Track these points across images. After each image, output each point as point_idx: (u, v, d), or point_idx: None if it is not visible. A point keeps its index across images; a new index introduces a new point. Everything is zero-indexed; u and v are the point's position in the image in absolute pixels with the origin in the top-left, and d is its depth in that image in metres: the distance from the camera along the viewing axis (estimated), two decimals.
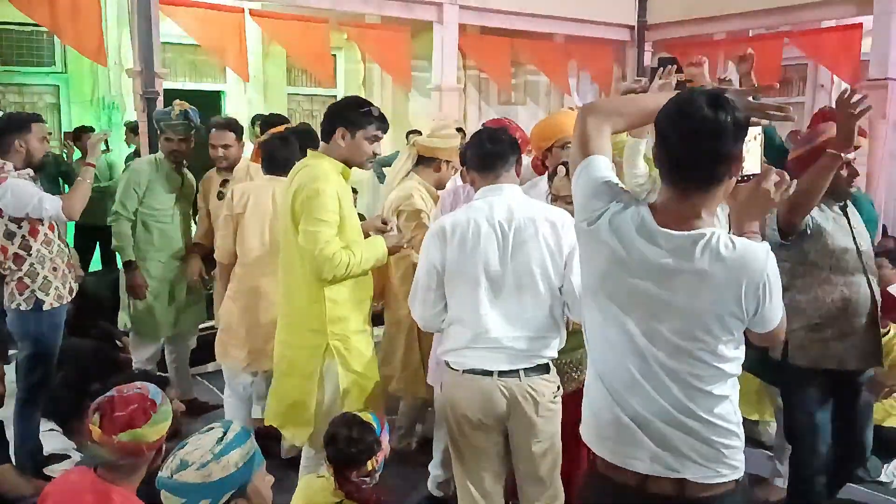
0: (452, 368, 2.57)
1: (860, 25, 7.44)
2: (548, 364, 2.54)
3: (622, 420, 1.68)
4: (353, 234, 2.88)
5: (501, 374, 2.49)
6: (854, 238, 2.92)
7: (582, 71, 9.78)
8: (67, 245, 3.77)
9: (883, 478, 3.86)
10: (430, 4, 7.53)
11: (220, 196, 4.17)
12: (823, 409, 2.99)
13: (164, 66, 7.18)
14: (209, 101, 8.45)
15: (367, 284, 3.00)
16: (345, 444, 2.39)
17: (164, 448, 2.03)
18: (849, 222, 2.96)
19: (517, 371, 2.49)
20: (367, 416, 2.58)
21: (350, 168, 2.91)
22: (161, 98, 6.11)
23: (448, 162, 3.70)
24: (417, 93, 9.08)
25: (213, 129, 4.33)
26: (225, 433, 1.86)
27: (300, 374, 2.91)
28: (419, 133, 8.10)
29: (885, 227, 7.14)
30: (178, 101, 4.42)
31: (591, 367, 1.76)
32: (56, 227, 3.61)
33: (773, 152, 3.46)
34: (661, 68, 2.88)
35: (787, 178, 1.71)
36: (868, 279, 2.92)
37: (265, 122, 4.71)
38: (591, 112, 1.77)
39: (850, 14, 7.48)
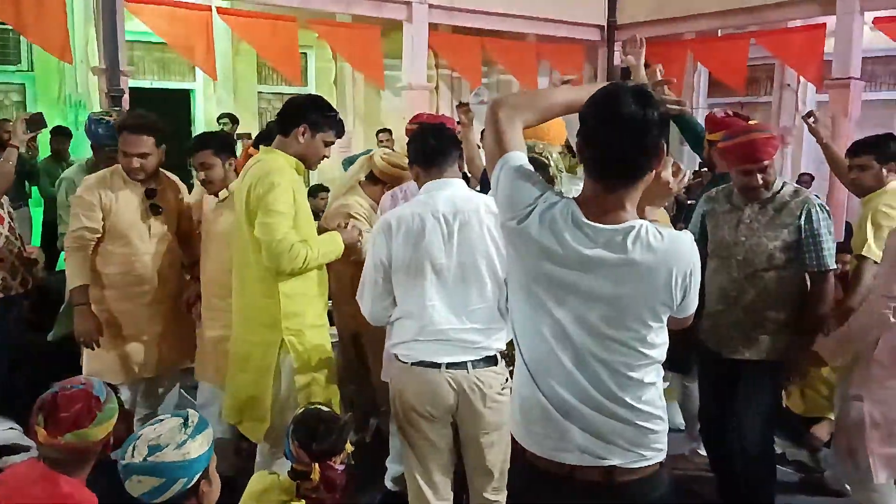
0: (401, 361, 2.59)
1: (824, 25, 7.57)
2: (496, 356, 2.57)
3: (551, 413, 1.70)
4: (307, 229, 2.90)
5: (449, 366, 2.51)
6: (739, 233, 3.02)
7: (553, 71, 9.84)
8: (21, 239, 3.75)
9: None
10: (400, 3, 7.56)
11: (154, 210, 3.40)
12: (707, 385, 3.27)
13: (132, 64, 7.15)
14: (178, 100, 8.41)
15: (323, 279, 3.02)
16: (326, 437, 2.36)
17: (112, 441, 2.03)
18: (739, 218, 3.03)
19: (465, 363, 2.52)
20: (323, 406, 2.60)
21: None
22: (127, 96, 6.10)
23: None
24: (389, 91, 9.09)
25: (124, 132, 3.34)
26: (186, 419, 1.88)
27: (255, 369, 2.92)
28: (389, 132, 8.13)
29: (848, 225, 7.27)
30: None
31: (520, 362, 1.78)
32: (6, 219, 3.61)
33: (693, 137, 3.71)
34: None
35: (682, 167, 1.76)
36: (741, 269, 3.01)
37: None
38: (502, 106, 1.78)
39: (814, 14, 7.61)
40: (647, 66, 3.04)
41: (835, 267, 2.98)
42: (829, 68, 7.33)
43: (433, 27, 8.04)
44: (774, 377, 3.09)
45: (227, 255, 3.25)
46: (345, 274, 3.40)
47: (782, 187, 3.00)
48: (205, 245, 3.47)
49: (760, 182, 2.94)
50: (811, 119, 3.93)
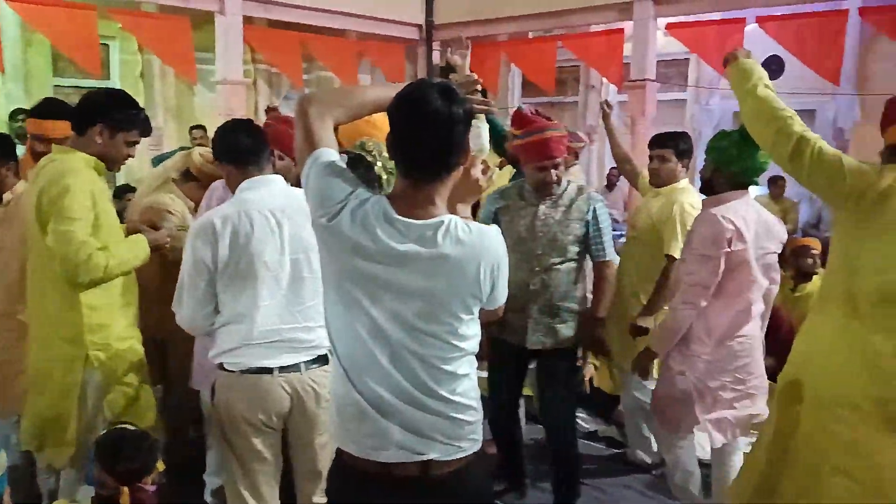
0: (228, 370, 2.47)
1: (622, 30, 8.12)
2: (326, 355, 2.52)
3: (367, 411, 1.70)
4: (110, 234, 2.70)
5: (282, 370, 2.44)
6: (536, 229, 3.18)
7: (375, 69, 9.86)
8: None
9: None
10: None
11: None
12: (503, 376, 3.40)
13: None
14: None
15: (131, 286, 2.83)
16: (132, 457, 2.20)
17: None
18: (534, 214, 3.19)
19: (297, 365, 2.46)
20: (129, 424, 2.44)
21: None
22: None
23: None
24: (203, 86, 8.70)
25: None
26: None
27: (56, 389, 2.69)
28: (203, 129, 7.79)
29: None
30: None
31: (336, 362, 1.76)
32: None
33: (495, 136, 3.86)
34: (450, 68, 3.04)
35: (490, 165, 1.84)
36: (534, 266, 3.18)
37: None
38: (311, 103, 1.76)
39: (614, 19, 8.12)
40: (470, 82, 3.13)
41: (615, 256, 3.28)
42: (628, 70, 7.86)
43: (248, 20, 7.78)
44: (573, 361, 3.36)
45: (14, 268, 2.96)
46: (149, 276, 3.21)
47: (567, 185, 3.22)
48: None
49: (554, 178, 3.12)
50: (606, 106, 4.25)
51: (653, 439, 3.94)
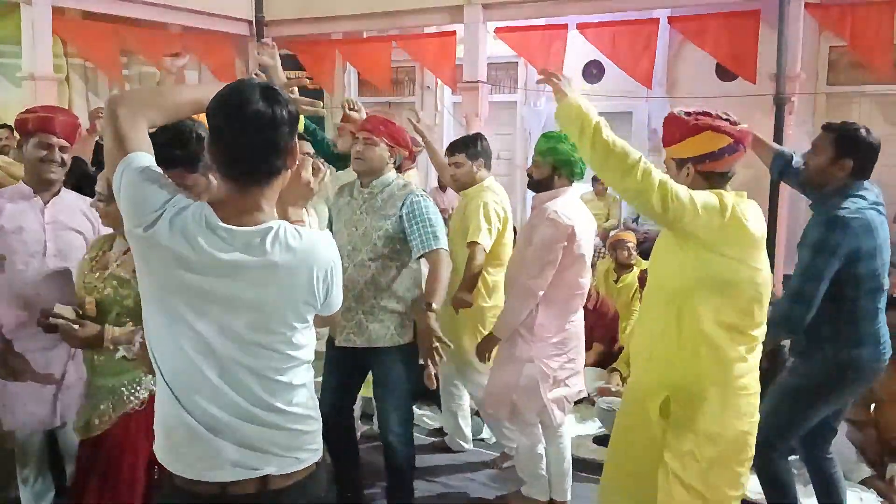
0: None
1: (454, 32, 8.26)
2: None
3: (198, 431, 1.60)
4: None
5: None
6: (351, 223, 3.13)
7: (202, 64, 9.43)
8: None
9: (484, 435, 4.38)
10: None
11: None
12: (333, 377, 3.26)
13: None
14: None
15: None
16: None
17: None
18: (353, 207, 3.16)
19: None
20: None
21: None
22: None
23: None
24: (8, 82, 7.95)
25: None
26: None
27: None
28: (10, 129, 7.10)
29: None
30: None
31: (160, 380, 1.65)
32: None
33: (320, 145, 3.66)
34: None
35: (322, 167, 1.80)
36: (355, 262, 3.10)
37: None
38: (121, 104, 1.63)
39: (445, 22, 8.25)
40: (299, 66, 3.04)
41: (444, 246, 3.02)
42: (461, 72, 8.02)
43: (59, 11, 7.19)
44: (403, 361, 3.16)
45: None
46: None
47: (393, 181, 3.13)
48: None
49: (351, 148, 3.11)
50: (415, 120, 4.27)
51: (466, 427, 4.20)
